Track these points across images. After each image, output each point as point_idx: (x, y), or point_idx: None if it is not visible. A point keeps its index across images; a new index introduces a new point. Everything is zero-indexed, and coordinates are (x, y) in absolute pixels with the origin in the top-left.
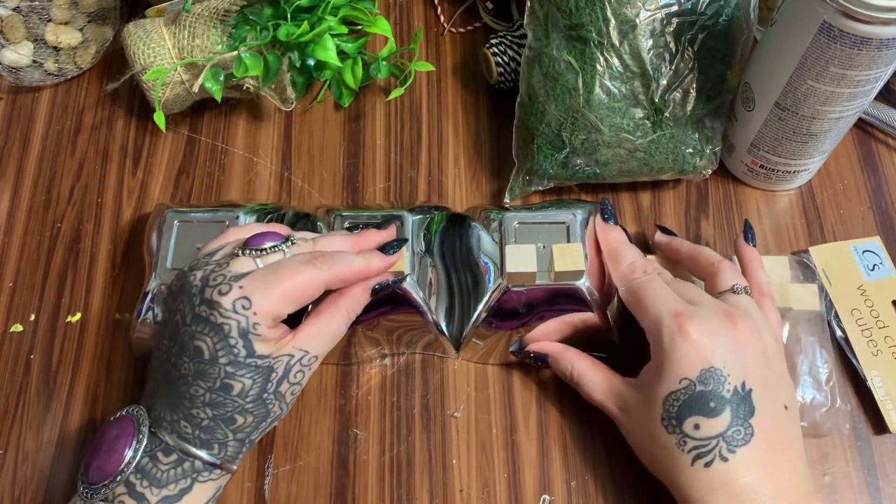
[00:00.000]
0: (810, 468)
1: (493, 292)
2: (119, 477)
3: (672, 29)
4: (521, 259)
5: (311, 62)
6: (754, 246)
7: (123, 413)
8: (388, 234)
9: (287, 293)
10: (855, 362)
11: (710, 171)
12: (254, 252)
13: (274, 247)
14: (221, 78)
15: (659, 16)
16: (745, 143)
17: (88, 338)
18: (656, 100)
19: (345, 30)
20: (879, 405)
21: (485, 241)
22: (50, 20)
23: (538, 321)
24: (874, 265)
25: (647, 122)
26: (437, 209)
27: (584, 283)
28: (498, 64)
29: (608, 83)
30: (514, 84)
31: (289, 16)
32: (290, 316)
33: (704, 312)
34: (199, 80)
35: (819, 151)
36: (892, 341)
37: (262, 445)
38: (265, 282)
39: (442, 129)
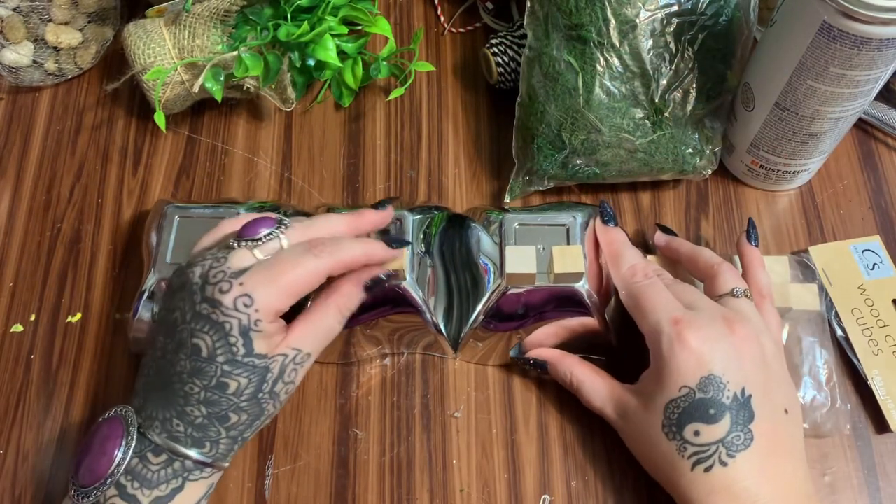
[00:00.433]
0: (810, 468)
1: (492, 293)
2: (109, 479)
3: (672, 29)
4: (521, 260)
5: (312, 62)
6: (757, 245)
7: (112, 414)
8: (386, 214)
9: (288, 286)
10: (856, 362)
11: (710, 171)
12: (250, 243)
13: (269, 234)
14: (222, 78)
15: (659, 16)
16: (745, 143)
17: (88, 338)
18: (656, 100)
19: (345, 30)
20: (881, 404)
21: (484, 242)
22: (50, 20)
23: (537, 323)
24: (874, 264)
25: (647, 122)
26: (437, 209)
27: (583, 286)
28: (498, 64)
29: (608, 83)
30: (514, 84)
31: (289, 16)
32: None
33: (703, 319)
34: (200, 80)
35: (819, 151)
36: (892, 340)
37: (263, 445)
38: (266, 277)
39: (442, 129)
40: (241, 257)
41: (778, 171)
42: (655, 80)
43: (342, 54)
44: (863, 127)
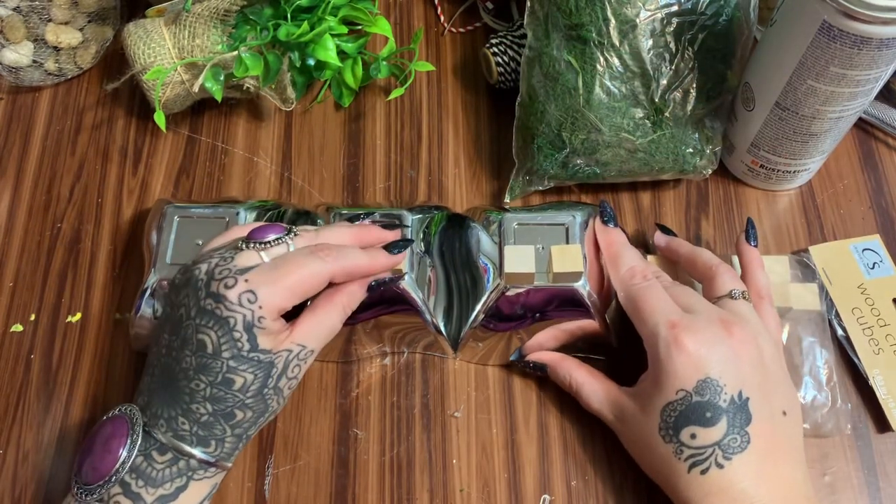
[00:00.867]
0: (810, 468)
1: (491, 293)
2: (114, 477)
3: (672, 29)
4: (520, 260)
5: (312, 62)
6: (756, 246)
7: (116, 412)
8: (392, 235)
9: (292, 286)
10: (856, 361)
11: (710, 171)
12: (258, 245)
13: (277, 239)
14: (222, 78)
15: (659, 16)
16: (745, 143)
17: (88, 338)
18: (656, 100)
19: (345, 30)
20: (882, 403)
21: (484, 241)
22: (50, 20)
23: (536, 323)
24: (874, 263)
25: (647, 122)
26: (437, 209)
27: (582, 285)
28: (498, 64)
29: (608, 83)
30: (514, 84)
31: (289, 16)
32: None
33: (700, 322)
34: (200, 80)
35: (819, 151)
36: (893, 339)
37: (262, 445)
38: (270, 275)
39: (442, 129)
40: (247, 257)
41: (778, 170)
42: (655, 79)
43: (342, 54)
44: (863, 127)
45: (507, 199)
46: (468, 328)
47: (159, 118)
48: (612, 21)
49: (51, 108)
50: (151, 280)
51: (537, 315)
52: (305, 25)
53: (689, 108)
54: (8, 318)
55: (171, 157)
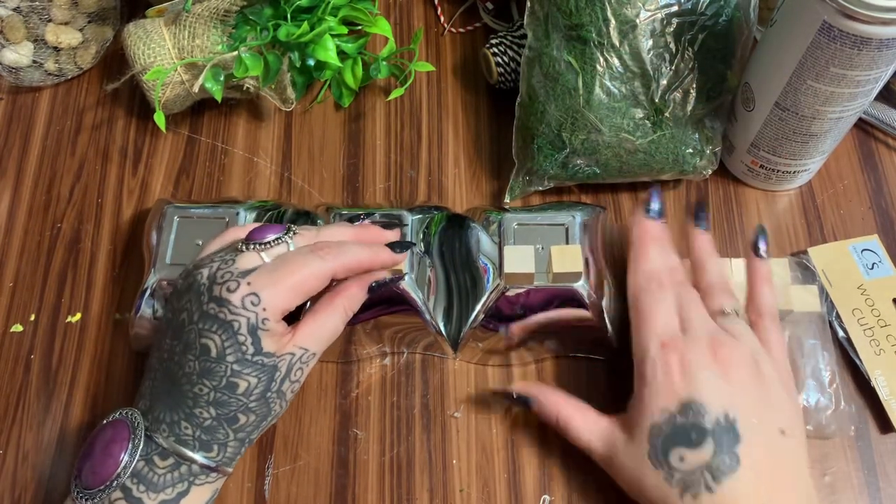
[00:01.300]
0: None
1: (491, 293)
2: (115, 482)
3: (672, 29)
4: (520, 260)
5: (311, 62)
6: (766, 255)
7: (117, 416)
8: (392, 234)
9: (295, 286)
10: (858, 362)
11: (710, 172)
12: (258, 245)
13: (277, 239)
14: (221, 78)
15: (659, 16)
16: (745, 144)
17: (88, 338)
18: (656, 100)
19: (345, 30)
20: (884, 404)
21: (484, 241)
22: (50, 20)
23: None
24: (873, 264)
25: (647, 122)
26: (437, 209)
27: (581, 285)
28: (498, 64)
29: (608, 83)
30: (514, 84)
31: (289, 16)
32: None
33: (689, 342)
34: (200, 81)
35: (819, 151)
36: (894, 340)
37: (262, 445)
38: (272, 276)
39: (442, 129)
40: (248, 259)
41: (778, 171)
42: (655, 80)
43: (342, 54)
44: (863, 127)
45: (506, 200)
46: (468, 328)
47: (159, 118)
48: (612, 21)
49: (51, 108)
50: (151, 280)
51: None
52: (305, 26)
53: (689, 108)
54: (8, 318)
55: (170, 158)
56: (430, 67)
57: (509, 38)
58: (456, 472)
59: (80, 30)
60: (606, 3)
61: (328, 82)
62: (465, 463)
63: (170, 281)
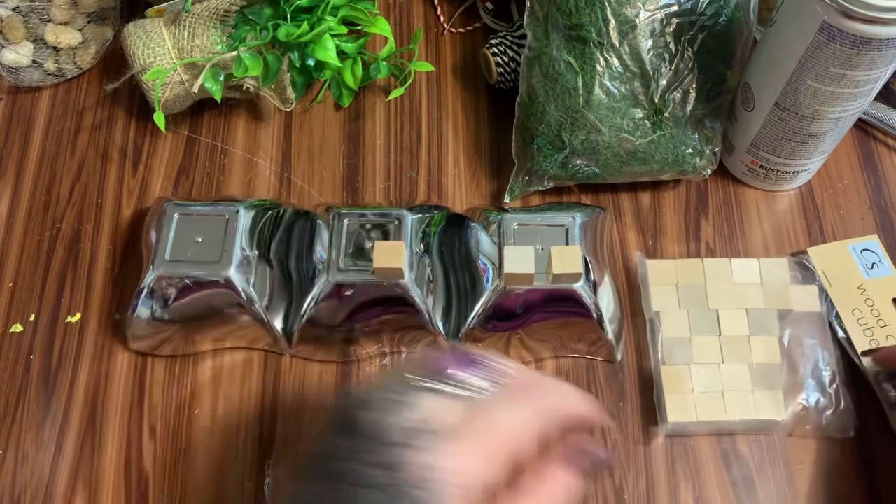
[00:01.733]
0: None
1: (490, 293)
2: None
3: (672, 29)
4: (519, 260)
5: (311, 62)
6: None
7: None
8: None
9: (499, 452)
10: (857, 362)
11: (709, 172)
12: (449, 387)
13: (470, 377)
14: (221, 78)
15: (659, 16)
16: (744, 144)
17: (88, 338)
18: (656, 100)
19: (344, 30)
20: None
21: (484, 241)
22: (50, 20)
23: (535, 323)
24: (873, 264)
25: (646, 122)
26: (437, 209)
27: (581, 286)
28: (498, 64)
29: (608, 83)
30: (514, 84)
31: (288, 16)
32: None
33: None
34: (199, 81)
35: (819, 151)
36: (893, 339)
37: (262, 445)
38: (473, 440)
39: (442, 129)
40: (440, 408)
41: (778, 171)
42: (655, 80)
43: (342, 54)
44: (863, 127)
45: (506, 200)
46: (467, 328)
47: (159, 118)
48: (612, 21)
49: (50, 108)
50: (149, 278)
51: (536, 315)
52: (305, 26)
53: (689, 108)
54: (8, 318)
55: (170, 158)
56: (430, 67)
57: (509, 38)
58: None
59: (80, 30)
60: (606, 3)
61: (328, 82)
62: None
63: (169, 279)
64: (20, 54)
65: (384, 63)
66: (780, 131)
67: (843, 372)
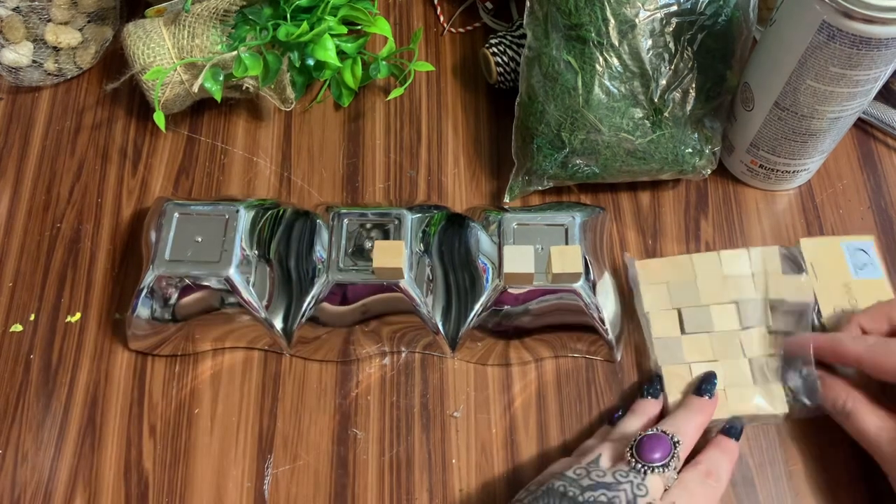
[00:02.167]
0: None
1: (490, 292)
2: None
3: (671, 29)
4: (519, 260)
5: (311, 62)
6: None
7: None
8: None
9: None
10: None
11: (709, 171)
12: (659, 470)
13: (671, 458)
14: (221, 78)
15: (658, 16)
16: (744, 143)
17: (88, 338)
18: (656, 100)
19: (344, 30)
20: None
21: (483, 241)
22: (50, 20)
23: (535, 323)
24: (864, 264)
25: (646, 122)
26: (437, 209)
27: (581, 286)
28: (498, 64)
29: (607, 83)
30: (514, 84)
31: (288, 16)
32: None
33: None
34: (199, 80)
35: (818, 151)
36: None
37: (262, 445)
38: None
39: (442, 128)
40: (656, 486)
41: (777, 170)
42: (655, 79)
43: (342, 54)
44: (862, 127)
45: (506, 199)
46: (467, 327)
47: (159, 118)
48: (612, 21)
49: (50, 108)
50: (149, 278)
51: (536, 315)
52: (305, 25)
53: (689, 108)
54: (8, 318)
55: (170, 157)
56: (430, 67)
57: (509, 38)
58: (455, 471)
59: (80, 30)
60: (606, 3)
61: (328, 82)
62: (464, 463)
63: (169, 279)
64: (20, 54)
65: (384, 63)
66: (779, 131)
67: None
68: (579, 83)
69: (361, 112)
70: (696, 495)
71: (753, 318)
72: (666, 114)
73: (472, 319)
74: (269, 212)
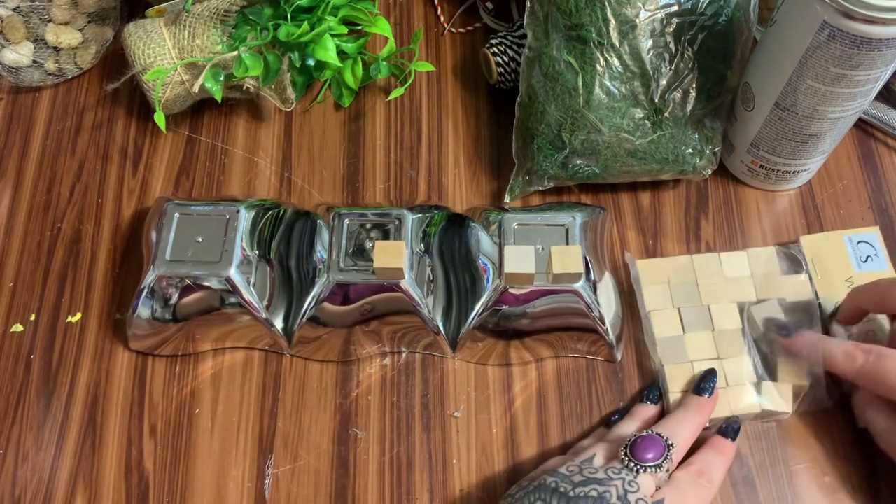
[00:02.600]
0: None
1: (490, 293)
2: None
3: (672, 29)
4: (520, 260)
5: (312, 62)
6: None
7: None
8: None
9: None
10: None
11: (710, 171)
12: (651, 469)
13: (664, 460)
14: (222, 78)
15: (659, 16)
16: (744, 143)
17: (88, 338)
18: (656, 100)
19: (345, 30)
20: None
21: (484, 241)
22: (50, 20)
23: (535, 323)
24: (867, 257)
25: (646, 122)
26: (437, 209)
27: (581, 286)
28: (498, 64)
29: (608, 83)
30: (514, 84)
31: (289, 16)
32: None
33: None
34: (200, 81)
35: (819, 151)
36: (873, 337)
37: (262, 445)
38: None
39: (442, 129)
40: (648, 484)
41: (778, 170)
42: (655, 80)
43: (342, 54)
44: (863, 127)
45: (506, 199)
46: (467, 328)
47: (159, 118)
48: (612, 21)
49: (51, 108)
50: (150, 278)
51: (536, 316)
52: (305, 25)
53: (689, 108)
54: (8, 318)
55: (171, 157)
56: (430, 67)
57: (509, 38)
58: (456, 471)
59: (80, 30)
60: (606, 3)
61: (328, 82)
62: (465, 463)
63: (169, 279)
64: (21, 54)
65: (384, 63)
66: (780, 131)
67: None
68: (580, 83)
69: (362, 112)
70: (686, 495)
71: (755, 317)
72: (666, 114)
73: (472, 319)
74: (270, 212)
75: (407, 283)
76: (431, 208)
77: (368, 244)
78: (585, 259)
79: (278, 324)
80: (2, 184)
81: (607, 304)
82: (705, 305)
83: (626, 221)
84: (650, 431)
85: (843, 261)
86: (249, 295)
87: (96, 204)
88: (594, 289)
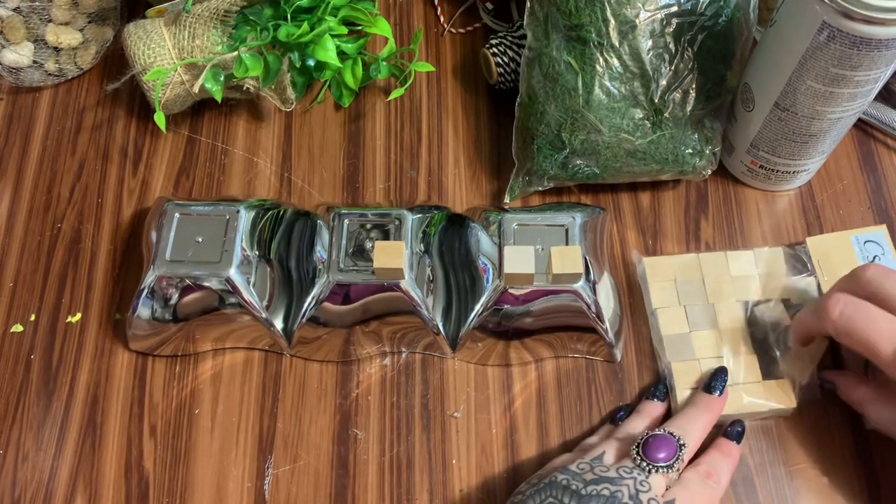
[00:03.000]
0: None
1: (490, 293)
2: None
3: (672, 29)
4: (519, 260)
5: (312, 62)
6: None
7: None
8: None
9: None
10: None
11: (709, 172)
12: (664, 470)
13: (676, 460)
14: (222, 78)
15: (659, 16)
16: (744, 144)
17: (88, 338)
18: (656, 100)
19: (345, 30)
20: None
21: (484, 241)
22: (50, 21)
23: (535, 323)
24: (875, 256)
25: (646, 122)
26: (437, 209)
27: (581, 287)
28: (498, 64)
29: (608, 84)
30: (514, 84)
31: (289, 16)
32: None
33: None
34: (200, 81)
35: (819, 152)
36: None
37: (262, 445)
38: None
39: (442, 129)
40: (659, 484)
41: (777, 171)
42: (655, 80)
43: (342, 55)
44: (862, 127)
45: (506, 200)
46: (467, 328)
47: (159, 118)
48: (612, 22)
49: (51, 108)
50: (150, 278)
51: (536, 316)
52: (305, 26)
53: (689, 108)
54: (8, 318)
55: (171, 158)
56: (430, 68)
57: (509, 38)
58: (456, 471)
59: (81, 30)
60: (606, 4)
61: (328, 82)
62: (464, 463)
63: (169, 279)
64: (21, 54)
65: (384, 63)
66: (779, 131)
67: (830, 364)
68: (580, 84)
69: (362, 112)
70: (695, 495)
71: (759, 317)
72: (666, 114)
73: (472, 320)
74: (270, 212)
75: (407, 284)
76: (431, 208)
77: (368, 244)
78: (585, 259)
79: (278, 324)
80: (2, 184)
81: (607, 304)
82: (711, 304)
83: (625, 222)
84: (662, 430)
85: (851, 261)
86: (249, 295)
87: (96, 204)
88: (594, 289)
